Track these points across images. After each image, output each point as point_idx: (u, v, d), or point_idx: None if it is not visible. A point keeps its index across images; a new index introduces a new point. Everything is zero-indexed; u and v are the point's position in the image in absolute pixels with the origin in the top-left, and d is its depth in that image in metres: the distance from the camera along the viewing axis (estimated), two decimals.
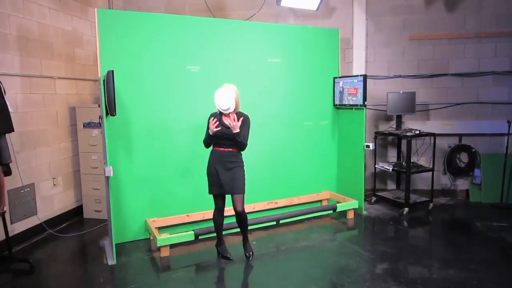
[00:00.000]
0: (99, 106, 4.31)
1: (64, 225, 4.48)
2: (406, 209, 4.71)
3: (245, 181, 3.42)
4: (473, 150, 5.22)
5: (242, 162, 3.42)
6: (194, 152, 4.07)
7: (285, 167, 4.67)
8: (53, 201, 4.38)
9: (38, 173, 4.14)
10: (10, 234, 3.54)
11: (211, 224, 4.08)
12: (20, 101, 3.88)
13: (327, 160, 4.98)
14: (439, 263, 3.39)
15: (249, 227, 4.09)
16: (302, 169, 4.79)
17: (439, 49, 5.27)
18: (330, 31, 4.87)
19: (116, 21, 3.70)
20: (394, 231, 4.31)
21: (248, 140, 3.36)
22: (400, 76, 5.39)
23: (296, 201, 4.72)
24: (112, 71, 3.32)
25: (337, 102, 4.90)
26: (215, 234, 3.95)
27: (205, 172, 3.45)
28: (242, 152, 3.43)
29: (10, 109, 3.32)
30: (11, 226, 3.73)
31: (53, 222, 4.30)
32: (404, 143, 5.08)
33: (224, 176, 3.34)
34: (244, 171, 3.42)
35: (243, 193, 3.39)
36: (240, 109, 3.42)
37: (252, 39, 4.39)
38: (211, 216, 4.17)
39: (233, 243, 3.89)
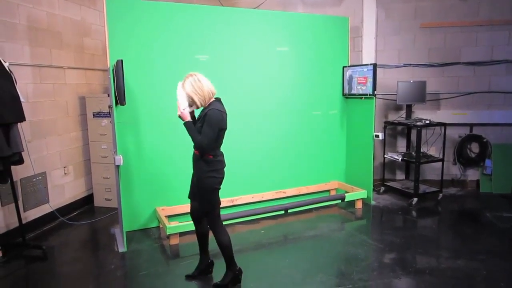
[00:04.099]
0: (108, 95, 4.33)
1: (75, 213, 4.55)
2: (415, 199, 4.68)
3: (211, 198, 2.70)
4: (484, 140, 5.15)
5: (208, 171, 2.64)
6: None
7: (294, 157, 4.67)
8: (64, 189, 4.45)
9: (49, 162, 4.20)
10: (23, 222, 3.62)
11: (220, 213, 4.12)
12: (30, 90, 3.92)
13: (336, 149, 4.96)
14: (448, 253, 3.38)
15: (258, 216, 4.15)
16: (311, 159, 4.79)
17: (451, 37, 5.17)
18: (340, 19, 4.81)
19: (124, 10, 3.69)
20: (402, 221, 4.30)
21: (209, 139, 2.60)
22: (410, 65, 5.31)
23: (304, 190, 4.73)
24: (121, 60, 3.33)
25: (346, 92, 4.86)
26: (224, 222, 3.97)
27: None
28: (212, 159, 2.66)
29: (21, 99, 3.35)
30: (24, 214, 3.80)
31: (64, 210, 4.37)
32: (414, 133, 5.03)
33: (194, 188, 2.82)
34: (209, 185, 2.66)
35: (207, 213, 2.74)
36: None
37: (261, 28, 4.35)
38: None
39: (241, 231, 3.93)
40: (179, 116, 2.70)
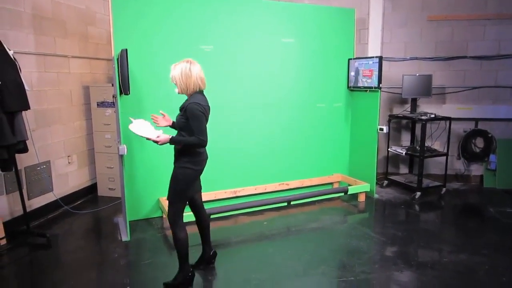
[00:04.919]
0: (112, 85, 4.33)
1: (79, 202, 4.57)
2: (418, 193, 4.68)
3: (180, 189, 2.64)
4: (489, 135, 5.12)
5: (186, 162, 2.62)
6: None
7: (297, 149, 4.66)
8: (68, 178, 4.47)
9: (53, 151, 4.21)
10: (28, 210, 3.64)
11: (222, 204, 4.14)
12: (35, 79, 3.92)
13: (340, 142, 4.95)
14: (450, 247, 3.38)
15: (261, 208, 4.15)
16: (314, 151, 4.78)
17: (458, 31, 5.12)
18: (346, 11, 4.76)
19: None
20: (405, 215, 4.29)
21: (203, 132, 2.57)
22: (416, 58, 5.26)
23: (307, 183, 4.72)
24: (126, 49, 3.31)
25: (351, 84, 4.82)
26: (226, 214, 4.00)
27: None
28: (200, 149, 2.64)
29: (26, 87, 3.35)
30: (28, 202, 3.83)
31: (68, 199, 4.40)
32: (418, 127, 5.01)
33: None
34: (181, 174, 2.62)
35: (171, 202, 2.67)
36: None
37: (266, 19, 4.32)
38: (222, 196, 4.25)
39: (244, 222, 3.94)
40: (160, 143, 2.59)
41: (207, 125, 2.66)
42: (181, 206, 2.69)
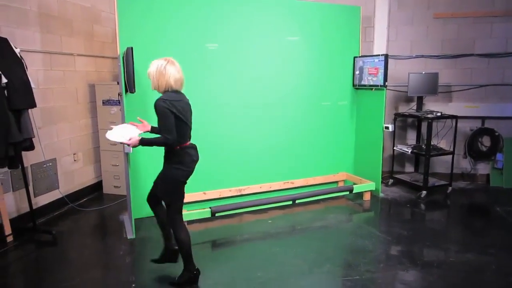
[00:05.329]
0: (118, 83, 4.34)
1: (84, 199, 4.60)
2: (424, 192, 4.65)
3: (173, 189, 2.62)
4: (496, 133, 5.07)
5: (174, 163, 2.58)
6: (211, 130, 4.08)
7: (302, 147, 4.65)
8: (73, 176, 4.49)
9: (59, 149, 4.24)
10: (34, 207, 3.67)
11: (227, 202, 4.14)
12: (41, 77, 3.94)
13: (345, 141, 4.93)
14: (457, 247, 3.35)
15: (266, 206, 4.15)
16: (319, 150, 4.76)
17: (465, 28, 5.07)
18: (351, 9, 4.73)
19: None
20: (411, 214, 4.27)
21: (169, 130, 2.49)
22: (422, 56, 5.23)
23: (312, 181, 4.71)
24: (132, 48, 3.32)
25: (356, 82, 4.80)
26: (231, 212, 4.00)
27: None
28: (173, 150, 2.58)
29: (32, 85, 3.37)
30: (35, 199, 3.85)
31: (74, 196, 4.42)
32: (424, 125, 4.97)
33: (158, 176, 2.77)
34: (170, 175, 2.60)
35: (167, 205, 2.67)
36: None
37: (271, 17, 4.30)
38: (227, 194, 4.25)
39: (248, 221, 3.95)
40: (132, 145, 2.57)
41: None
42: (177, 207, 2.66)
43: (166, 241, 2.91)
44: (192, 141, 2.65)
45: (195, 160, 2.67)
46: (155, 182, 2.81)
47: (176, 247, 2.80)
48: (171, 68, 2.55)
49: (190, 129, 2.67)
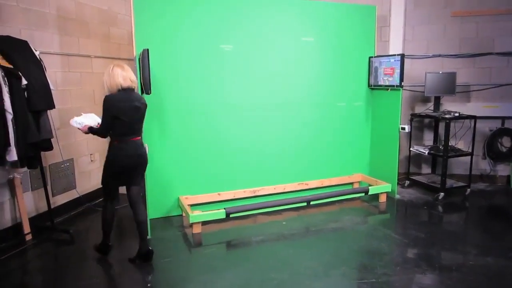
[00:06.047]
0: None
1: (100, 199, 4.64)
2: (442, 194, 4.56)
3: (104, 174, 3.06)
4: None
5: (109, 151, 3.00)
6: (225, 131, 4.09)
7: (317, 148, 4.62)
8: (90, 176, 4.56)
9: (76, 149, 4.31)
10: (52, 206, 3.74)
11: (241, 203, 4.14)
12: (59, 79, 4.01)
13: (360, 142, 4.88)
14: (476, 250, 3.28)
15: (280, 207, 4.13)
16: (334, 151, 4.72)
17: (484, 27, 4.96)
18: (366, 8, 4.68)
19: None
20: (428, 216, 4.20)
21: (103, 125, 2.93)
22: (440, 55, 5.13)
23: (327, 183, 4.67)
24: (147, 49, 3.35)
25: (372, 83, 4.74)
26: (246, 213, 4.00)
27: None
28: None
29: (51, 87, 3.43)
30: (53, 199, 3.92)
31: (90, 196, 4.48)
32: (441, 126, 4.88)
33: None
34: (105, 162, 3.03)
35: (103, 185, 3.12)
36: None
37: (286, 17, 4.29)
38: (242, 196, 4.25)
39: (263, 222, 3.94)
40: (83, 132, 3.04)
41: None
42: (106, 191, 3.08)
43: (140, 241, 3.10)
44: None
45: (128, 155, 2.95)
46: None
47: (151, 248, 3.11)
48: (117, 71, 2.87)
49: (136, 126, 2.98)
